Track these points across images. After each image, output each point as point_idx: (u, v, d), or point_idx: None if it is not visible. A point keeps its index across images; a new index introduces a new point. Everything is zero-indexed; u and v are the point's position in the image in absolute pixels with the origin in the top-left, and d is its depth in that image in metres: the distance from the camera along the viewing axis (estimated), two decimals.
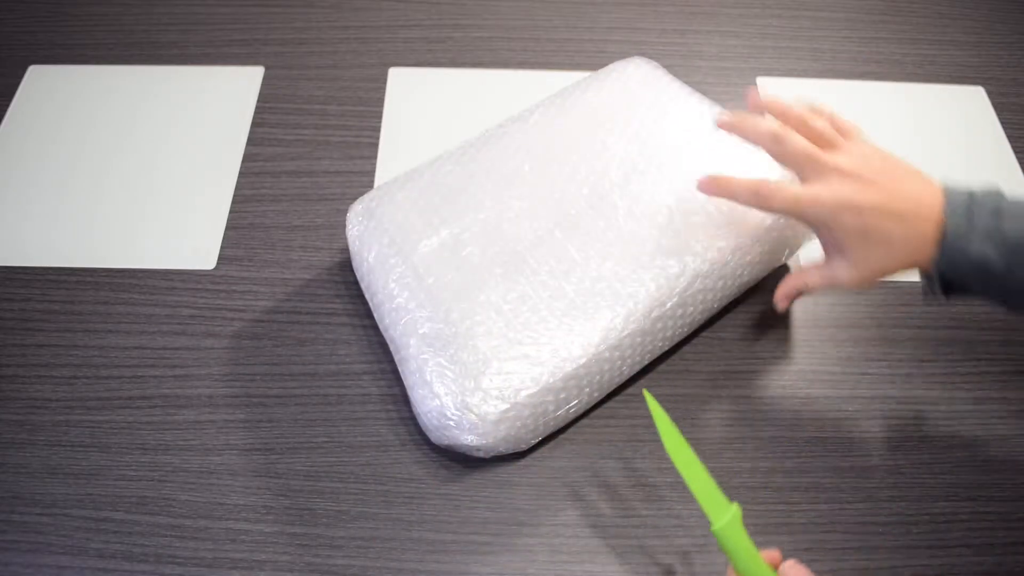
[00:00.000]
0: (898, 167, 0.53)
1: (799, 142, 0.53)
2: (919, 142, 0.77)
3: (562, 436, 0.59)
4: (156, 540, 0.54)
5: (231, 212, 0.70)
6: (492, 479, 0.57)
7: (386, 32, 0.83)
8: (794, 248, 0.64)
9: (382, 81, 0.79)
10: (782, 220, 0.61)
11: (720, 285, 0.60)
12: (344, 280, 0.66)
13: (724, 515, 0.47)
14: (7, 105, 0.76)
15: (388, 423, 0.59)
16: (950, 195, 0.50)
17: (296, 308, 0.65)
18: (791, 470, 0.58)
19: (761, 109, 0.56)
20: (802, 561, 0.46)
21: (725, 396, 0.61)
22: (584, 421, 0.59)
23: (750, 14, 0.86)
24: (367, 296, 0.61)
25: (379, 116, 0.76)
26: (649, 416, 0.59)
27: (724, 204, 0.59)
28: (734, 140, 0.56)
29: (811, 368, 0.63)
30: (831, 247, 0.55)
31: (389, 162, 0.73)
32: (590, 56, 0.80)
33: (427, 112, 0.77)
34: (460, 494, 0.56)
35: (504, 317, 0.56)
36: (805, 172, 0.53)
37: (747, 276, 0.61)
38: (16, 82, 0.78)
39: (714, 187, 0.56)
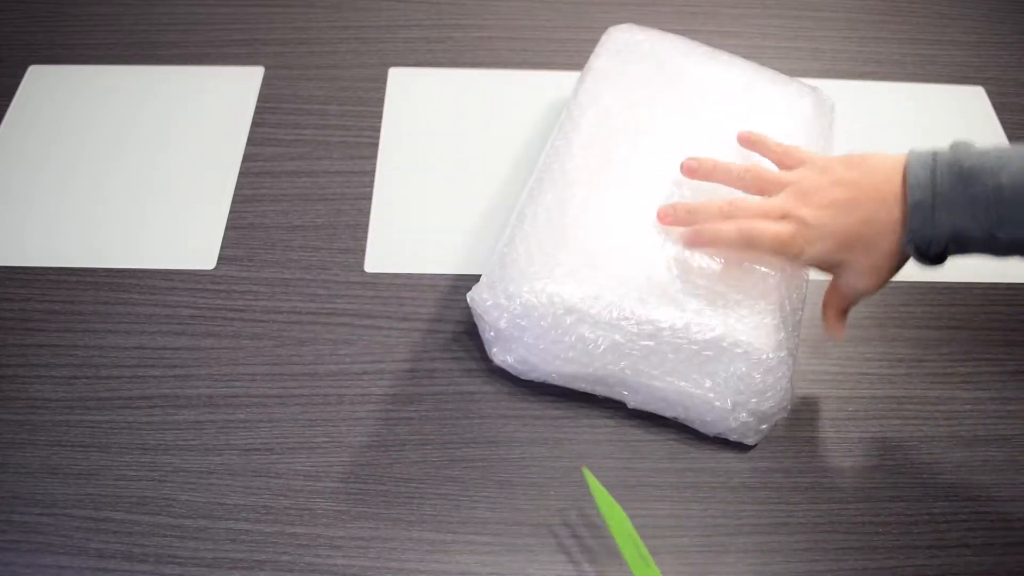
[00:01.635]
0: (858, 166, 0.54)
1: (754, 210, 0.55)
2: (919, 142, 0.76)
3: (562, 436, 0.59)
4: (156, 540, 0.54)
5: (231, 212, 0.70)
6: (492, 479, 0.57)
7: (386, 32, 0.83)
8: None
9: (382, 81, 0.79)
10: None
11: None
12: (344, 280, 0.66)
13: None
14: (7, 105, 0.76)
15: (388, 423, 0.59)
16: (911, 167, 0.50)
17: (296, 308, 0.65)
18: (791, 470, 0.58)
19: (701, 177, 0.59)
20: None
21: None
22: (584, 421, 0.59)
23: (750, 14, 0.86)
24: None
25: (379, 116, 0.76)
26: (648, 417, 0.59)
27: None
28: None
29: (811, 368, 0.63)
30: (831, 270, 0.56)
31: (389, 162, 0.73)
32: (590, 56, 0.80)
33: (427, 112, 0.77)
34: (460, 494, 0.56)
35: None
36: (785, 241, 0.54)
37: None
38: (16, 82, 0.78)
39: (699, 239, 0.56)
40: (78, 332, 0.63)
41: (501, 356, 0.58)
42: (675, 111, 0.66)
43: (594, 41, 0.80)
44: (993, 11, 0.88)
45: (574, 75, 0.79)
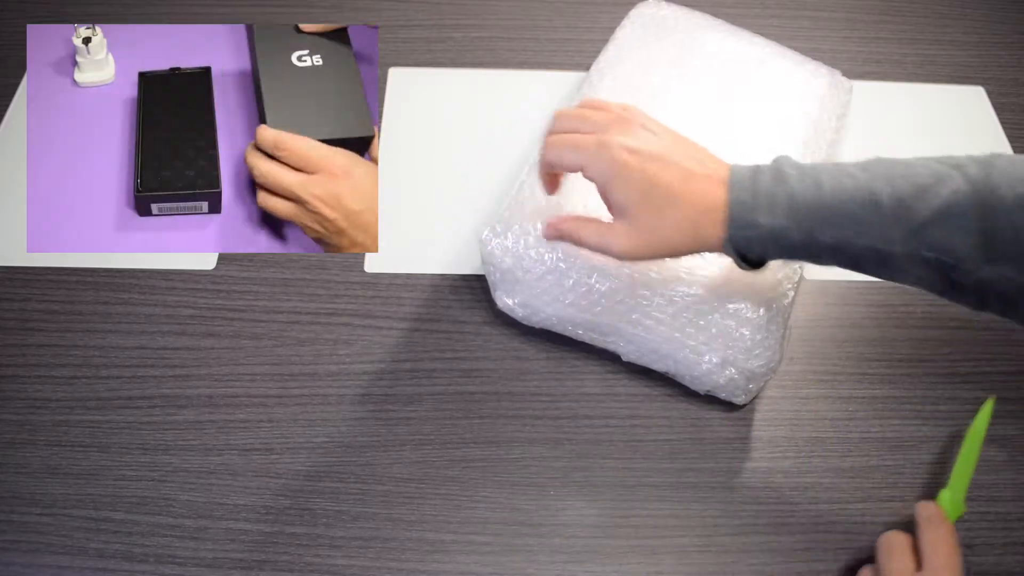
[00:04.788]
0: (685, 139, 0.52)
1: (576, 135, 0.52)
2: (919, 142, 0.77)
3: (562, 436, 0.59)
4: (156, 540, 0.54)
5: None
6: (492, 479, 0.57)
7: (386, 32, 0.83)
8: None
9: (382, 81, 0.79)
10: None
11: None
12: (344, 280, 0.66)
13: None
14: (7, 105, 0.76)
15: (388, 423, 0.59)
16: (734, 168, 0.49)
17: (296, 308, 0.65)
18: (791, 470, 0.58)
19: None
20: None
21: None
22: (584, 422, 0.59)
23: (750, 14, 0.86)
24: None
25: (379, 116, 0.76)
26: (648, 417, 0.59)
27: None
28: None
29: (811, 368, 0.63)
30: (615, 209, 0.52)
31: (389, 162, 0.73)
32: (590, 56, 0.80)
33: (427, 112, 0.77)
34: (460, 494, 0.56)
35: None
36: (592, 151, 0.51)
37: None
38: (16, 82, 0.78)
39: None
40: (78, 332, 0.63)
41: (504, 299, 0.61)
42: (689, 80, 0.68)
43: (594, 41, 0.80)
44: (993, 11, 0.88)
45: (574, 75, 0.79)
